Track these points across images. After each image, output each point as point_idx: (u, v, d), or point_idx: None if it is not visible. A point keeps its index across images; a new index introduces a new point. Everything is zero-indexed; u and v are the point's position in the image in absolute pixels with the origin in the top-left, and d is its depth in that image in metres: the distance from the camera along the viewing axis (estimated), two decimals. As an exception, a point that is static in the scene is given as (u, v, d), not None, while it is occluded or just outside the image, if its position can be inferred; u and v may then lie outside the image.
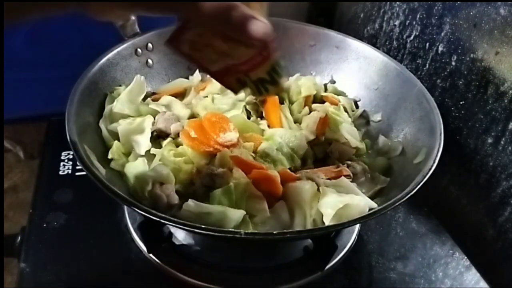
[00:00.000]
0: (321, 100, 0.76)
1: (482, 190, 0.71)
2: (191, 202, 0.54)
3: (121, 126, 0.64)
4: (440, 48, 0.76)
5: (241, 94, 0.72)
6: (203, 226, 0.47)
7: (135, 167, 0.61)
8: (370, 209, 0.55)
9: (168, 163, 0.60)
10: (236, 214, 0.52)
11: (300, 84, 0.75)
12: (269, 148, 0.62)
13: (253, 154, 0.62)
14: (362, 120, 0.75)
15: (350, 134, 0.68)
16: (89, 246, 0.64)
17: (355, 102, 0.77)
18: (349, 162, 0.65)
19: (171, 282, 0.60)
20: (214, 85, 0.73)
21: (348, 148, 0.67)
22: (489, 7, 0.65)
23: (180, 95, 0.75)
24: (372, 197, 0.60)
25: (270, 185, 0.56)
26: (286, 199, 0.57)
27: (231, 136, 0.61)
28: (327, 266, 0.62)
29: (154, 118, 0.67)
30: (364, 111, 0.76)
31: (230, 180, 0.55)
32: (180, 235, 0.64)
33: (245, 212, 0.53)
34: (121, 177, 0.61)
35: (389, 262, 0.66)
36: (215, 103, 0.71)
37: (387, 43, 0.91)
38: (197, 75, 0.78)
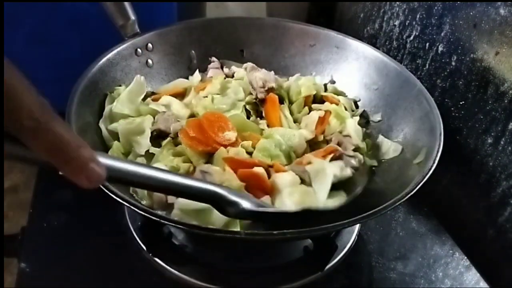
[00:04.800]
0: (321, 100, 0.76)
1: (482, 190, 0.71)
2: (181, 200, 0.54)
3: (121, 126, 0.64)
4: (440, 48, 0.76)
5: (241, 94, 0.72)
6: (203, 226, 0.47)
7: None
8: (370, 210, 0.55)
9: (167, 162, 0.60)
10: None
11: (300, 84, 0.75)
12: (268, 143, 0.62)
13: (251, 149, 0.62)
14: (362, 120, 0.75)
15: (354, 131, 0.68)
16: (89, 246, 0.64)
17: (355, 102, 0.77)
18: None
19: (171, 282, 0.60)
20: (214, 85, 0.73)
21: (348, 139, 0.67)
22: (489, 7, 0.65)
23: (180, 95, 0.75)
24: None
25: (258, 182, 0.56)
26: (271, 192, 0.57)
27: (230, 135, 0.61)
28: (327, 266, 0.62)
29: (154, 118, 0.67)
30: (364, 111, 0.76)
31: (221, 179, 0.55)
32: (180, 235, 0.64)
33: None
34: (121, 177, 0.61)
35: (389, 262, 0.66)
36: (214, 103, 0.70)
37: (387, 43, 0.91)
38: (197, 75, 0.78)
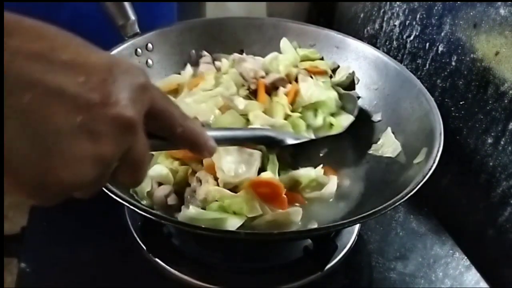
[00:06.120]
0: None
1: (482, 190, 0.71)
2: (191, 209, 0.54)
3: None
4: (440, 48, 0.76)
5: (233, 89, 0.71)
6: (203, 226, 0.47)
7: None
8: (370, 210, 0.55)
9: (167, 164, 0.59)
10: (236, 222, 0.52)
11: (278, 63, 0.74)
12: None
13: None
14: (346, 81, 0.76)
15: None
16: (89, 246, 0.64)
17: (333, 70, 0.77)
18: None
19: (171, 282, 0.60)
20: (208, 81, 0.72)
21: None
22: (489, 7, 0.65)
23: (174, 91, 0.74)
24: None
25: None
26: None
27: None
28: (327, 266, 0.62)
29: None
30: (353, 72, 0.76)
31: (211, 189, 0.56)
32: (180, 235, 0.64)
33: (245, 218, 0.53)
34: (121, 177, 0.61)
35: (389, 262, 0.66)
36: None
37: (387, 43, 0.91)
38: (188, 70, 0.77)
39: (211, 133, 0.42)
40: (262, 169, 0.60)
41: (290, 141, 0.63)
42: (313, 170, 0.62)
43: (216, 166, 0.58)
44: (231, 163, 0.58)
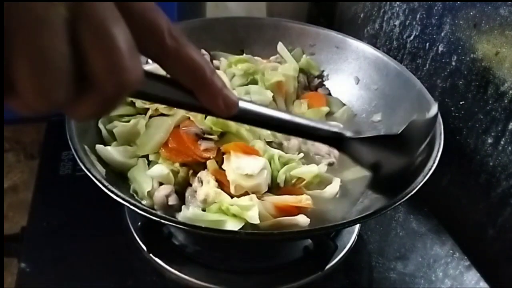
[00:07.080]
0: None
1: (482, 190, 0.71)
2: (191, 210, 0.54)
3: (117, 128, 0.63)
4: (440, 48, 0.76)
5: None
6: (203, 226, 0.47)
7: (135, 168, 0.61)
8: (370, 210, 0.55)
9: (167, 164, 0.59)
10: (235, 225, 0.52)
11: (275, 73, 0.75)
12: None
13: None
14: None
15: None
16: (89, 246, 0.64)
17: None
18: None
19: (171, 282, 0.60)
20: None
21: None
22: (489, 7, 0.65)
23: None
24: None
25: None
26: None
27: (206, 144, 0.60)
28: (327, 266, 0.62)
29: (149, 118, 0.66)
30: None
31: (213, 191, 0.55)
32: (180, 235, 0.64)
33: (245, 221, 0.53)
34: (121, 177, 0.61)
35: (389, 262, 0.66)
36: None
37: (387, 43, 0.91)
38: None
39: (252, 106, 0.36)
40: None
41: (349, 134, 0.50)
42: (316, 167, 0.62)
43: (227, 169, 0.57)
44: (241, 163, 0.57)
